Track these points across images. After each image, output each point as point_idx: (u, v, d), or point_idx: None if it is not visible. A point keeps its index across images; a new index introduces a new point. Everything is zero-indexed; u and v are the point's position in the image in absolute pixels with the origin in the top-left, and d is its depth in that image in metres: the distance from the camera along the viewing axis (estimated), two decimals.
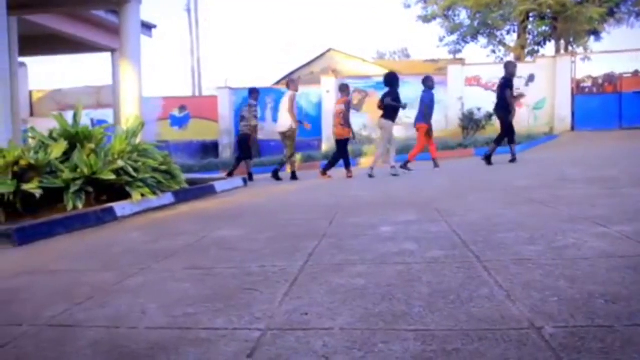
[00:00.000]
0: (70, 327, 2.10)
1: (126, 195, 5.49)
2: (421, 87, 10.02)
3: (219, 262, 3.03)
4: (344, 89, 9.94)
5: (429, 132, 9.79)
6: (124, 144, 5.65)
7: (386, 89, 9.26)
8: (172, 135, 18.83)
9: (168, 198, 6.00)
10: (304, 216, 4.70)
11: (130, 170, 5.46)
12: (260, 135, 17.92)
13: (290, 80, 10.40)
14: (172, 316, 2.12)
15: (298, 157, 14.62)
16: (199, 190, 6.94)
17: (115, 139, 5.80)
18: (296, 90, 9.85)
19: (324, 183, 8.66)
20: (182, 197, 6.24)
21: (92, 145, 5.54)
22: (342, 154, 9.69)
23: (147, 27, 11.74)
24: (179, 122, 19.04)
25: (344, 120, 9.51)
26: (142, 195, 5.47)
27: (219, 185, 7.59)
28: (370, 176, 8.73)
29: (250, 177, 10.10)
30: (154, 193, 5.65)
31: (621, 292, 2.03)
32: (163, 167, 6.04)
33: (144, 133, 9.06)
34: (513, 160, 9.59)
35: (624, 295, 2.00)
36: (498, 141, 9.85)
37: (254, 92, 10.94)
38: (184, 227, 4.54)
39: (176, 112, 19.00)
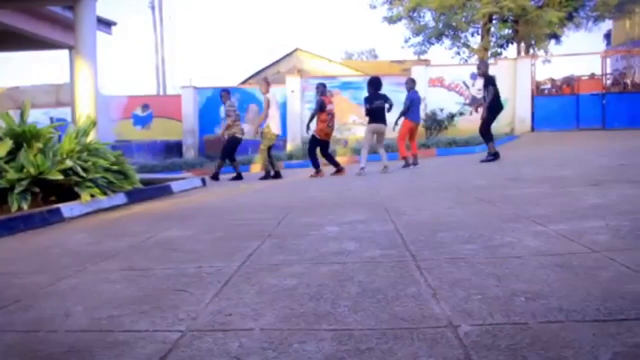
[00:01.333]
0: None
1: (75, 196, 5.37)
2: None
3: (158, 263, 2.98)
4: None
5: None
6: (73, 143, 5.52)
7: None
8: (135, 135, 18.53)
9: (120, 198, 5.89)
10: (255, 216, 4.67)
11: (79, 170, 5.34)
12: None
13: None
14: (95, 318, 2.07)
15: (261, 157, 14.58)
16: (155, 191, 6.84)
17: (64, 138, 5.66)
18: (265, 92, 9.79)
19: (284, 183, 8.64)
20: (135, 197, 6.13)
21: (40, 145, 5.40)
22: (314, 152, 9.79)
23: (106, 24, 11.51)
24: (142, 122, 18.75)
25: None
26: (92, 195, 5.36)
27: (176, 185, 7.49)
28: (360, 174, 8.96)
29: (216, 177, 9.99)
30: (105, 193, 5.54)
31: (543, 290, 2.07)
32: (115, 167, 5.92)
33: (103, 132, 8.89)
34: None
35: (544, 293, 2.03)
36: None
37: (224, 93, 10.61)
38: (131, 228, 4.46)
39: (139, 111, 18.70)
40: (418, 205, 4.69)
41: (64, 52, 12.48)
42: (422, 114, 17.14)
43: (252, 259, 2.90)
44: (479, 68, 10.29)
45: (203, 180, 8.56)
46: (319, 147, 9.76)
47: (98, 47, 8.49)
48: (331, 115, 9.65)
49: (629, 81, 17.58)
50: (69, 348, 1.79)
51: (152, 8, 23.87)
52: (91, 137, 6.36)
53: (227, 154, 10.26)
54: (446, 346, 1.59)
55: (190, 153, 18.03)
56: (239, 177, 10.02)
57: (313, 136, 9.75)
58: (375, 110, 9.34)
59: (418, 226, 3.57)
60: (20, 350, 1.82)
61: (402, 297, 2.07)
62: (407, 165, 10.00)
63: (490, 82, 9.67)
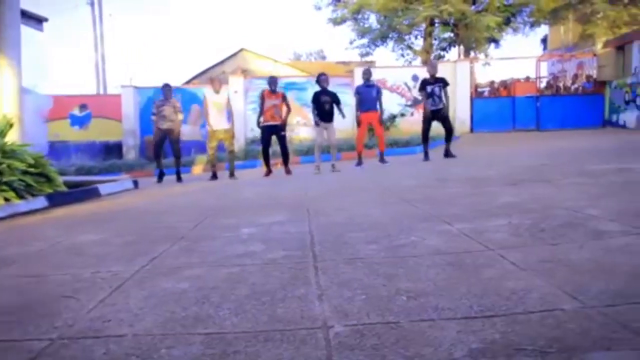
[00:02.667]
0: None
1: None
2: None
3: (57, 269, 2.88)
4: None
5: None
6: None
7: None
8: (73, 136, 17.93)
9: (40, 202, 5.67)
10: (176, 218, 4.59)
11: None
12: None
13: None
14: None
15: (204, 158, 14.40)
16: (80, 193, 6.62)
17: None
18: (216, 91, 9.63)
19: (214, 184, 8.55)
20: (58, 200, 5.92)
21: None
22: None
23: (37, 20, 11.09)
24: (80, 122, 18.15)
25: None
26: (7, 199, 5.14)
27: (104, 188, 7.28)
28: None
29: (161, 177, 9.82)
30: (22, 197, 5.33)
31: (427, 288, 2.11)
32: (34, 170, 5.70)
33: (35, 133, 8.55)
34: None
35: (428, 291, 2.08)
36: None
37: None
38: (44, 232, 4.30)
39: (77, 111, 18.09)
40: (341, 206, 4.72)
41: None
42: None
43: (154, 262, 2.84)
44: (433, 67, 10.45)
45: (135, 182, 8.36)
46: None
47: (31, 44, 8.18)
48: (272, 105, 9.57)
49: (561, 85, 18.31)
50: None
51: (91, 4, 23.14)
52: (11, 138, 6.10)
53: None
54: (312, 347, 1.60)
55: (130, 154, 17.59)
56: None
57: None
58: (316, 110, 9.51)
59: (332, 227, 3.59)
60: None
61: (288, 299, 2.07)
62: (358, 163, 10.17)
63: (447, 84, 10.03)
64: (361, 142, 10.54)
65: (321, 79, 9.81)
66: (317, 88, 9.81)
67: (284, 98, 9.63)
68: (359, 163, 10.37)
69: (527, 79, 17.80)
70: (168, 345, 1.67)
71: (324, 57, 43.93)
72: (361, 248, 2.87)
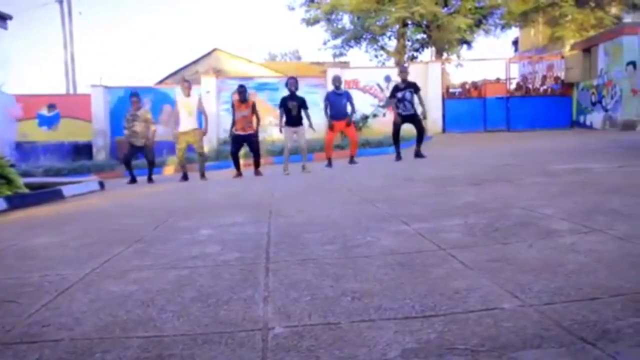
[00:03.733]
0: None
1: None
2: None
3: (4, 273, 2.81)
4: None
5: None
6: None
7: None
8: (41, 136, 17.56)
9: None
10: (136, 221, 4.53)
11: None
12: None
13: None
14: None
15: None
16: (42, 195, 6.50)
17: None
18: (186, 95, 9.60)
19: (182, 186, 8.48)
20: (17, 203, 5.80)
21: None
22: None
23: (1, 18, 10.85)
24: (48, 122, 17.77)
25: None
26: None
27: (69, 190, 7.16)
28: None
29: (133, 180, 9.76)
30: None
31: (373, 289, 2.12)
32: None
33: (2, 133, 8.35)
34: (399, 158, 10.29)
35: (373, 292, 2.09)
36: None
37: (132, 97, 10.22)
38: None
39: (45, 111, 17.73)
40: (303, 206, 4.72)
41: None
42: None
43: (105, 265, 2.80)
44: (404, 72, 10.50)
45: (101, 184, 8.24)
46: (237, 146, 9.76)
47: None
48: (242, 116, 9.57)
49: (531, 86, 18.60)
50: None
51: (60, 2, 22.68)
52: None
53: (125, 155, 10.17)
54: (248, 349, 1.60)
55: (101, 155, 17.30)
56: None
57: None
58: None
59: (290, 228, 3.58)
60: None
61: (233, 301, 2.06)
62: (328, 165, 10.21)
63: (418, 89, 10.19)
64: (330, 147, 10.59)
65: (289, 82, 9.83)
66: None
67: (254, 108, 9.68)
68: (329, 164, 10.40)
69: (498, 80, 18.03)
70: (104, 349, 1.65)
71: (299, 58, 43.90)
72: (316, 249, 2.87)
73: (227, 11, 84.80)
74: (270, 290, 2.17)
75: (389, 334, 1.65)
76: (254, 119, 9.60)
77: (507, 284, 2.10)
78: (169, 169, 14.61)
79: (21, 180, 6.08)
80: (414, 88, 10.18)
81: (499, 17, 21.32)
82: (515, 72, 20.29)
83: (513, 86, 18.50)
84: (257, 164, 9.71)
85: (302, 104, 9.68)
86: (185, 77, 17.44)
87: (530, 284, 2.08)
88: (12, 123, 16.64)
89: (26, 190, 6.13)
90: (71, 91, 22.56)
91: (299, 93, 9.88)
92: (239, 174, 9.63)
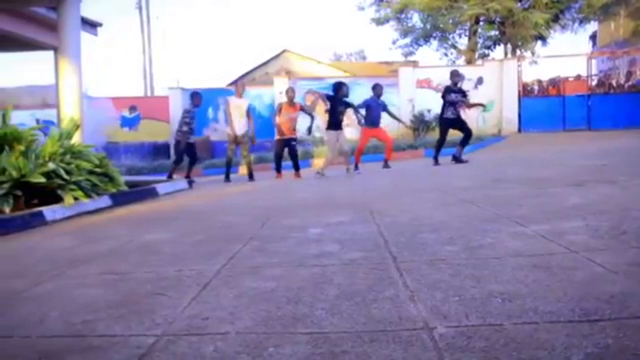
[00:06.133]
0: None
1: (59, 199, 5.32)
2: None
3: (138, 267, 2.96)
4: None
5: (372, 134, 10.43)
6: (56, 146, 5.47)
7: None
8: (123, 137, 18.41)
9: (105, 201, 5.84)
10: (238, 219, 4.65)
11: (62, 172, 5.29)
12: (215, 137, 17.77)
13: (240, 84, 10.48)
14: (70, 324, 2.05)
15: (252, 158, 14.55)
16: (140, 193, 6.79)
17: (47, 140, 5.61)
18: (238, 95, 9.87)
19: (270, 184, 8.63)
20: (120, 200, 6.08)
21: (22, 147, 5.35)
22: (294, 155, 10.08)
23: (92, 25, 11.42)
24: (130, 123, 18.63)
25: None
26: (75, 198, 5.31)
27: (161, 188, 7.44)
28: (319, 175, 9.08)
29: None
30: (89, 196, 5.50)
31: (520, 291, 2.08)
32: (99, 170, 5.88)
33: (92, 134, 8.83)
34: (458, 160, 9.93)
35: (521, 294, 2.04)
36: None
37: (194, 97, 10.53)
38: (113, 231, 4.42)
39: (127, 113, 18.57)
40: (401, 206, 4.70)
41: (49, 53, 12.38)
42: (409, 116, 17.27)
43: (232, 262, 2.88)
44: (457, 75, 10.25)
45: (189, 183, 8.52)
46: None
47: (84, 48, 8.43)
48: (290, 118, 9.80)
49: (613, 82, 17.74)
50: (41, 354, 1.77)
51: (139, 8, 23.75)
52: (75, 140, 6.31)
53: (179, 155, 10.68)
54: (420, 348, 1.59)
55: None
56: (170, 177, 10.14)
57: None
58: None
59: (400, 228, 3.57)
60: None
61: (379, 300, 2.07)
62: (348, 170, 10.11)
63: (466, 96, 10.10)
64: (360, 153, 10.53)
65: (339, 88, 9.71)
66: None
67: (302, 110, 9.90)
68: (356, 168, 10.22)
69: (578, 77, 17.31)
70: (274, 344, 1.69)
71: (364, 58, 43.82)
72: (439, 249, 2.85)
73: (293, 12, 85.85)
74: (412, 290, 2.16)
75: (562, 337, 1.61)
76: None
77: None
78: (244, 169, 14.93)
79: (122, 179, 6.37)
80: (462, 94, 9.99)
81: (577, 10, 20.46)
82: (592, 69, 19.42)
83: (594, 83, 17.71)
84: (297, 168, 9.98)
85: (348, 106, 9.76)
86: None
87: None
88: (102, 125, 17.49)
89: (126, 188, 6.42)
90: (149, 93, 23.51)
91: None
92: (280, 175, 9.99)
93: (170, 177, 10.02)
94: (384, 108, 10.48)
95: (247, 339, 1.75)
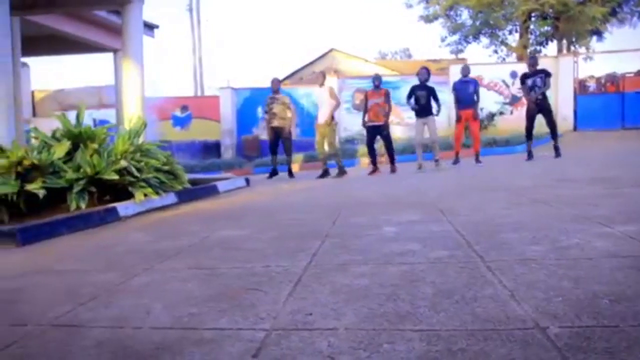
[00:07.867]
0: (74, 327, 2.10)
1: (129, 195, 5.50)
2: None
3: (223, 262, 3.03)
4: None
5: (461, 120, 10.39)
6: (126, 144, 5.66)
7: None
8: (175, 136, 18.82)
9: (171, 198, 6.01)
10: (307, 216, 4.70)
11: (134, 170, 5.47)
12: (264, 136, 18.00)
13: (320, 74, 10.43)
14: (176, 316, 2.12)
15: (300, 157, 14.68)
16: (202, 190, 6.95)
17: (118, 139, 5.80)
18: (321, 85, 9.85)
19: (323, 182, 8.67)
20: (184, 197, 6.24)
21: (95, 146, 5.55)
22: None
23: (149, 27, 11.75)
24: (181, 122, 19.06)
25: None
26: (145, 195, 5.48)
27: (221, 185, 7.60)
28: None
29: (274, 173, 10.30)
30: (157, 193, 5.66)
31: (625, 292, 2.03)
32: (166, 167, 6.05)
33: (147, 133, 9.08)
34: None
35: (628, 295, 2.00)
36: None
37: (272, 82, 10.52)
38: (186, 227, 4.54)
39: (178, 112, 19.02)
40: (471, 205, 4.65)
41: (105, 55, 12.79)
42: None
43: (316, 258, 2.92)
44: (533, 65, 10.05)
45: (247, 180, 8.65)
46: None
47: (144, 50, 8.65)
48: (375, 103, 9.67)
49: None
50: (158, 345, 1.83)
51: (190, 10, 24.29)
52: (142, 138, 6.51)
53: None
54: (539, 348, 1.58)
55: (228, 153, 18.25)
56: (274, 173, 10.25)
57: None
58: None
59: (476, 227, 3.53)
60: (110, 346, 1.87)
61: (479, 298, 2.06)
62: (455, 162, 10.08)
63: (549, 74, 9.78)
64: (459, 140, 10.43)
65: (420, 72, 9.76)
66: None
67: (387, 95, 9.64)
68: (456, 161, 10.22)
69: (638, 73, 16.66)
70: (387, 340, 1.71)
71: (409, 56, 43.46)
72: (525, 249, 2.81)
73: (339, 11, 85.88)
74: (510, 289, 2.14)
75: None
76: (386, 107, 9.59)
77: None
78: (295, 166, 15.06)
79: (186, 176, 6.53)
80: (545, 74, 9.71)
81: (636, 3, 19.73)
82: None
83: None
84: (392, 159, 9.69)
85: (431, 92, 9.56)
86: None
87: None
88: (155, 124, 17.94)
89: (190, 186, 6.58)
90: (199, 93, 23.98)
91: None
92: (375, 169, 9.65)
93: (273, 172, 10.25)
94: (475, 88, 10.27)
95: (358, 335, 1.77)
